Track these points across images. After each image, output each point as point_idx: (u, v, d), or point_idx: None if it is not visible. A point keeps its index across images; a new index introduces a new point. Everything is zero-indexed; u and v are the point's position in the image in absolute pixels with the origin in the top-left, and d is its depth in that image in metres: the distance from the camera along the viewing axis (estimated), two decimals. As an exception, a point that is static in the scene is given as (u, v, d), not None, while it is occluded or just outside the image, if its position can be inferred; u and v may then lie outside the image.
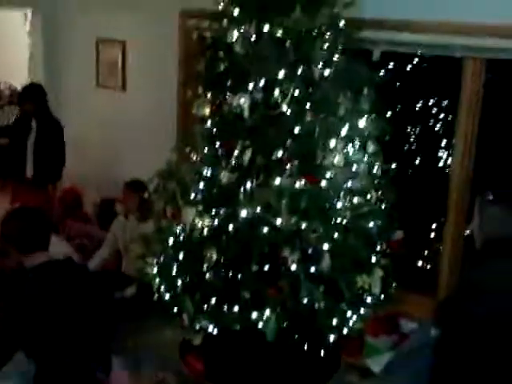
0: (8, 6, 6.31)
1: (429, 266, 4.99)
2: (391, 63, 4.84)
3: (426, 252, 5.10)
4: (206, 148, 3.38)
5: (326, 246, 3.29)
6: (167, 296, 3.48)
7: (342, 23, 3.44)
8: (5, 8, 6.61)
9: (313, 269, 3.30)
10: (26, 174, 5.40)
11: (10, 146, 5.56)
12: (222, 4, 3.47)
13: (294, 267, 3.25)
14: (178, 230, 3.40)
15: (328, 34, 3.37)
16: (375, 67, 3.61)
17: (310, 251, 3.30)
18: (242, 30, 3.28)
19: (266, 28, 3.29)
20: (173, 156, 3.56)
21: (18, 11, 8.01)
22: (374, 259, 3.51)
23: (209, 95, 3.39)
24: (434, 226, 4.99)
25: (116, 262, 4.98)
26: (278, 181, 3.27)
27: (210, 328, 3.37)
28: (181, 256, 3.38)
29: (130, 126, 5.73)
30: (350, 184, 3.43)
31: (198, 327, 3.38)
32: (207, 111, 3.38)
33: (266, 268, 3.28)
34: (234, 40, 3.30)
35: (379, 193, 3.57)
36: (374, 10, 3.96)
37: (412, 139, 5.17)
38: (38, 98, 5.27)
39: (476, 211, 2.62)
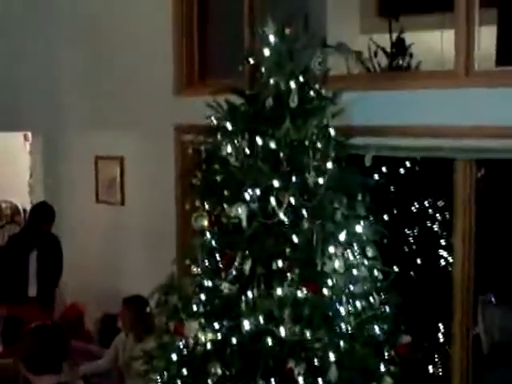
0: (8, 129, 6.49)
1: (440, 371, 4.86)
2: (384, 167, 4.91)
3: (435, 355, 4.99)
4: (206, 260, 3.39)
5: (332, 356, 3.23)
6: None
7: (332, 132, 3.52)
8: (5, 131, 6.81)
9: (320, 381, 3.23)
10: (27, 293, 5.29)
11: (6, 264, 5.49)
12: (214, 119, 3.56)
13: (300, 380, 3.19)
14: (181, 344, 3.36)
15: (319, 143, 3.45)
16: (368, 172, 3.66)
17: (316, 362, 3.24)
18: (235, 143, 3.36)
19: (259, 140, 3.38)
20: (173, 269, 3.58)
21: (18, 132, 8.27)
22: (382, 367, 3.44)
23: (207, 207, 3.44)
24: (441, 327, 4.90)
25: (119, 381, 4.84)
26: (279, 290, 3.26)
27: None
28: (185, 372, 3.32)
29: (129, 241, 5.78)
30: (351, 289, 3.41)
31: None
32: (206, 223, 3.42)
33: (273, 382, 3.22)
34: (228, 152, 3.37)
35: (382, 296, 3.55)
36: (362, 117, 4.05)
37: (411, 241, 5.18)
38: (53, 217, 5.33)
39: (479, 314, 2.58)
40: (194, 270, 3.45)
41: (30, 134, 7.53)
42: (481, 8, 3.96)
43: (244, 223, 3.28)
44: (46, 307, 5.26)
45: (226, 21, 5.32)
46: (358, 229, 3.48)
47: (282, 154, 3.38)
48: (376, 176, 4.02)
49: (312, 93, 3.51)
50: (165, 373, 3.38)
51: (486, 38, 4.23)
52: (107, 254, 5.94)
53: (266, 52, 3.48)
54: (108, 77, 5.90)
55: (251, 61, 3.64)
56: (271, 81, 3.44)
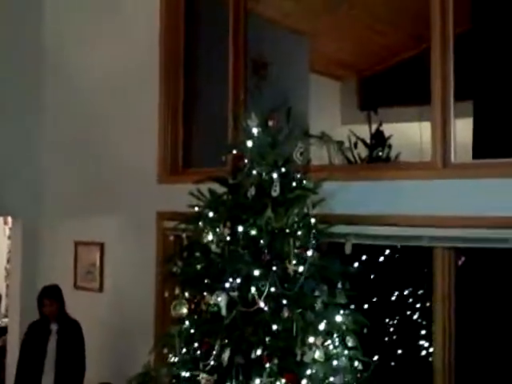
0: (-11, 214, 6.50)
1: None
2: (364, 255, 4.95)
3: None
4: (184, 348, 3.37)
5: None
6: None
7: (312, 220, 3.58)
8: (-14, 216, 6.82)
9: None
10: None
11: (23, 355, 5.19)
12: (196, 208, 3.61)
13: None
14: None
15: (300, 231, 3.49)
16: (348, 260, 3.70)
17: None
18: (217, 231, 3.40)
19: (240, 228, 3.42)
20: (150, 358, 3.52)
21: (-2, 217, 8.25)
22: None
23: (186, 295, 3.46)
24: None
25: None
26: (257, 381, 3.25)
27: None
28: None
29: (106, 328, 5.67)
30: (331, 380, 3.40)
31: None
32: (185, 310, 3.43)
33: None
34: (209, 240, 3.41)
35: None
36: (343, 206, 4.13)
37: (391, 330, 5.16)
38: (61, 299, 5.15)
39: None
40: (172, 359, 3.41)
41: (9, 218, 7.51)
42: (456, 101, 4.09)
43: (223, 311, 3.30)
44: None
45: (210, 112, 5.45)
46: (338, 318, 3.51)
47: (262, 242, 3.43)
48: (356, 264, 4.03)
49: (294, 183, 3.59)
50: None
51: (464, 129, 4.35)
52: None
53: (249, 143, 3.58)
54: (92, 162, 5.98)
55: (234, 151, 3.72)
56: (254, 171, 3.53)
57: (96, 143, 5.95)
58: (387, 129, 5.41)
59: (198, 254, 3.48)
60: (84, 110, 6.07)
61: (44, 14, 6.42)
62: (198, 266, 3.45)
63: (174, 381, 3.33)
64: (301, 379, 3.30)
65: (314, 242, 3.50)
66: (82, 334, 5.16)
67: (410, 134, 5.44)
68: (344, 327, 3.51)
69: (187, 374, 3.30)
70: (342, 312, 3.51)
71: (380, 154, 5.16)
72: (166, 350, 3.50)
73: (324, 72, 6.56)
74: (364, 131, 5.48)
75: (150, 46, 5.47)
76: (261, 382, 3.23)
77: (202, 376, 3.23)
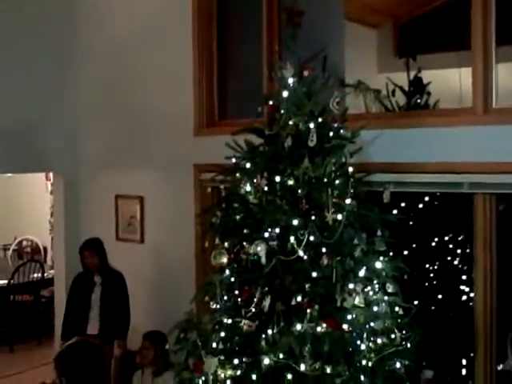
0: (31, 170, 6.62)
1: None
2: (403, 203, 4.92)
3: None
4: (225, 297, 3.42)
5: None
6: None
7: (350, 169, 3.56)
8: (27, 172, 6.95)
9: None
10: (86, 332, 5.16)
11: (69, 306, 5.34)
12: (233, 159, 3.62)
13: None
14: (201, 381, 3.37)
15: (338, 180, 3.49)
16: (387, 207, 3.69)
17: None
18: (254, 182, 3.41)
19: (278, 178, 3.43)
20: (192, 306, 3.59)
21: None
22: None
23: (226, 245, 3.47)
24: (464, 362, 4.86)
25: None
26: (299, 326, 3.27)
27: None
28: None
29: (148, 278, 5.80)
30: (372, 325, 3.42)
31: None
32: (225, 260, 3.44)
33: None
34: (247, 191, 3.43)
35: (403, 332, 3.53)
36: (381, 155, 4.11)
37: (431, 275, 5.16)
38: (102, 252, 5.27)
39: (509, 350, 2.55)
40: (213, 306, 3.47)
41: (51, 174, 7.66)
42: (498, 45, 4.00)
43: (263, 260, 3.32)
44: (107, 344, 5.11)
45: (245, 63, 5.42)
46: (378, 265, 3.51)
47: (300, 192, 3.42)
48: (395, 211, 4.01)
49: (331, 132, 3.56)
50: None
51: (506, 74, 4.26)
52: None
53: (285, 94, 3.55)
54: (129, 117, 6.02)
55: (270, 102, 3.70)
56: (290, 121, 3.50)
57: (131, 98, 5.98)
58: (426, 76, 5.29)
59: (236, 204, 3.49)
60: (119, 63, 6.08)
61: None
62: (237, 217, 3.46)
63: (216, 327, 3.38)
64: (341, 324, 3.32)
65: (351, 190, 3.47)
66: (126, 285, 5.29)
67: (450, 80, 5.33)
68: (384, 273, 3.52)
69: (229, 321, 3.35)
70: (381, 259, 3.51)
71: (418, 101, 5.02)
72: (207, 298, 3.55)
73: (360, 19, 6.42)
74: (401, 79, 5.38)
75: (183, -4, 5.42)
76: (302, 327, 3.25)
77: (244, 322, 3.27)
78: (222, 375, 3.26)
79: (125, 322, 5.23)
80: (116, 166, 6.14)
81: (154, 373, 4.62)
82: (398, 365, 3.41)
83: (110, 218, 6.18)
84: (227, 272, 3.46)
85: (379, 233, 3.55)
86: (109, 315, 5.14)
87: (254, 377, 3.23)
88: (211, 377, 3.26)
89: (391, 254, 3.56)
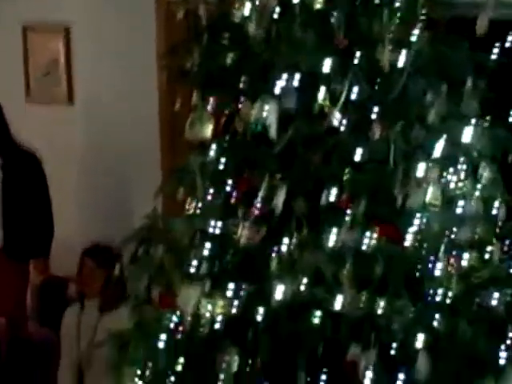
0: None
1: None
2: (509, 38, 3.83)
3: None
4: (211, 190, 2.69)
5: (421, 340, 2.50)
6: None
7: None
8: None
9: (401, 377, 2.50)
10: None
11: None
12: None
13: (369, 377, 2.46)
14: (174, 322, 2.68)
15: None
16: (482, 46, 2.84)
17: (393, 350, 2.50)
18: (256, 1, 2.63)
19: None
20: (157, 205, 2.83)
21: None
22: (503, 354, 2.70)
23: (210, 105, 2.72)
24: None
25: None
26: (333, 237, 2.52)
27: None
28: (179, 365, 2.65)
29: (82, 163, 4.66)
30: (454, 236, 2.66)
31: None
32: (209, 131, 2.70)
33: (323, 380, 2.52)
34: (245, 16, 2.64)
35: (506, 246, 2.79)
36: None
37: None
38: None
39: None
40: (192, 206, 2.74)
41: None
42: None
43: (273, 131, 2.55)
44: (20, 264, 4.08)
45: None
46: (466, 136, 2.68)
47: (336, 17, 2.59)
48: (495, 52, 3.10)
49: None
50: (148, 366, 2.70)
51: None
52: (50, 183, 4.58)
53: None
54: None
55: None
56: None
57: None
58: None
59: (226, 38, 2.71)
60: None
61: None
62: (228, 59, 2.65)
63: (196, 238, 2.63)
64: (403, 233, 2.59)
65: (423, 13, 2.63)
66: (43, 173, 4.13)
67: None
68: (475, 152, 2.73)
69: (217, 229, 2.60)
70: (471, 127, 2.69)
71: None
72: (181, 193, 2.77)
73: None
74: None
75: None
76: (338, 237, 2.50)
77: (242, 230, 2.53)
78: (208, 313, 2.52)
79: (44, 232, 4.16)
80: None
81: (101, 308, 3.80)
82: (494, 299, 2.66)
83: (13, 65, 4.79)
84: (213, 150, 2.68)
85: (469, 84, 2.69)
86: (17, 220, 4.09)
87: (258, 316, 2.50)
88: (189, 316, 2.54)
89: (488, 118, 2.74)
